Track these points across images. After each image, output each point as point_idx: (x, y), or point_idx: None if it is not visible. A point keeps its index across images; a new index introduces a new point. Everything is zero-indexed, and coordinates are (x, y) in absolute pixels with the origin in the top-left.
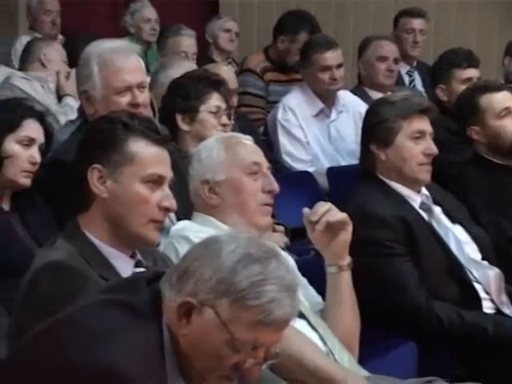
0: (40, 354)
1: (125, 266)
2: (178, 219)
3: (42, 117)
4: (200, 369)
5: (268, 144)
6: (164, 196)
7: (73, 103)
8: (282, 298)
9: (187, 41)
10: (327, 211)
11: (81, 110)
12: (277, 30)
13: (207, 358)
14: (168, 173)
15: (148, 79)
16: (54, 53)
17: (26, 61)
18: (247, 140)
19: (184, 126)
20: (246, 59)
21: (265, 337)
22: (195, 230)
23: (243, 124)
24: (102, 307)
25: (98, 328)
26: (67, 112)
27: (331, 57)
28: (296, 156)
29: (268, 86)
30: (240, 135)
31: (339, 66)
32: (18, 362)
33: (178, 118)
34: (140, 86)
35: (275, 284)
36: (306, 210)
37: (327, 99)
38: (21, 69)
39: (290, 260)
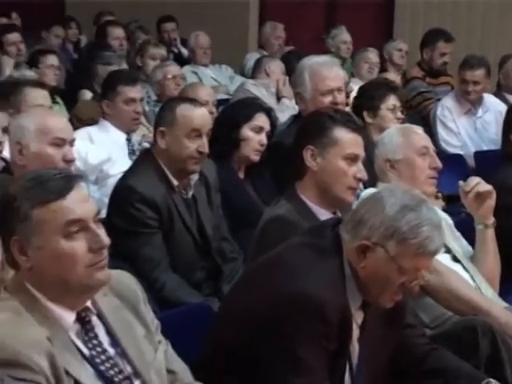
0: (258, 281)
1: None
2: (365, 187)
3: (269, 111)
4: (375, 291)
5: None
6: (358, 170)
7: (288, 103)
8: (434, 235)
9: (374, 56)
10: (477, 183)
11: None
12: (421, 45)
13: (381, 283)
14: (362, 152)
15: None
16: (276, 66)
17: (256, 71)
18: (418, 129)
19: (369, 120)
20: (408, 71)
21: (422, 264)
22: None
23: (414, 118)
24: (299, 248)
25: (295, 264)
26: (283, 109)
27: (471, 75)
28: (450, 142)
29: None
30: (413, 126)
31: (475, 82)
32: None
33: (365, 113)
34: (339, 90)
35: (428, 225)
36: (461, 183)
37: (474, 101)
38: (251, 77)
39: (448, 219)
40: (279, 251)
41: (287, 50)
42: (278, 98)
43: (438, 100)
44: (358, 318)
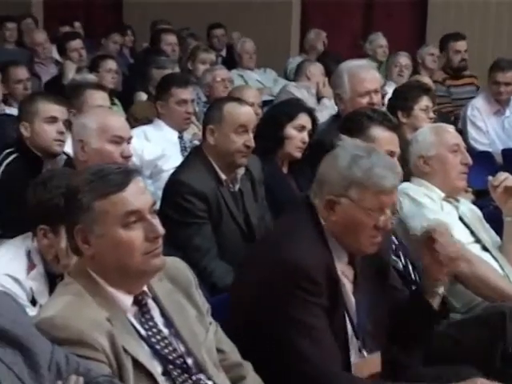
0: (254, 258)
1: None
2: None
3: (310, 111)
4: (353, 239)
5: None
6: None
7: (327, 103)
8: (386, 174)
9: (405, 60)
10: (506, 178)
11: None
12: (440, 51)
13: (355, 230)
14: (397, 149)
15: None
16: (316, 69)
17: (297, 75)
18: (450, 128)
19: (403, 119)
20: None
21: (384, 201)
22: (413, 189)
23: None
24: (281, 225)
25: (280, 238)
26: (322, 109)
27: (503, 76)
28: (479, 140)
29: (449, 89)
30: (445, 124)
31: (507, 84)
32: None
33: (399, 113)
34: (376, 91)
35: (379, 167)
36: (490, 178)
37: (503, 102)
38: (293, 80)
39: (477, 211)
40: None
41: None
42: (318, 99)
43: (462, 99)
44: (348, 273)
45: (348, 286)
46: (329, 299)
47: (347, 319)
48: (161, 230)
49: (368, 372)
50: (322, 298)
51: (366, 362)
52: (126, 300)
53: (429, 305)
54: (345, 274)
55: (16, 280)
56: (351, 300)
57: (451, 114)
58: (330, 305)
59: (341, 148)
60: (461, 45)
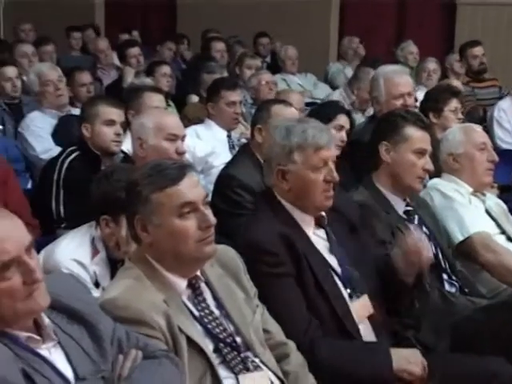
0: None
1: (399, 206)
2: (430, 178)
3: (349, 113)
4: (309, 199)
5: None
6: (426, 162)
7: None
8: (318, 133)
9: (433, 65)
10: None
11: None
12: (460, 56)
13: (309, 188)
14: (429, 147)
15: None
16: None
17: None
18: (478, 128)
19: (434, 120)
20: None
21: (324, 155)
22: (443, 184)
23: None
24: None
25: (244, 225)
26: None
27: None
28: (504, 140)
29: (474, 90)
30: (473, 124)
31: None
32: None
33: (430, 114)
34: (409, 94)
35: (310, 128)
36: None
37: None
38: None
39: (502, 204)
40: None
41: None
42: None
43: (486, 100)
44: (320, 233)
45: (323, 244)
46: (294, 264)
47: (335, 277)
48: (212, 219)
49: (365, 314)
50: (286, 266)
51: (356, 305)
52: (181, 283)
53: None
54: (317, 235)
55: (81, 264)
56: (332, 259)
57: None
58: (298, 269)
59: (274, 126)
60: (477, 50)
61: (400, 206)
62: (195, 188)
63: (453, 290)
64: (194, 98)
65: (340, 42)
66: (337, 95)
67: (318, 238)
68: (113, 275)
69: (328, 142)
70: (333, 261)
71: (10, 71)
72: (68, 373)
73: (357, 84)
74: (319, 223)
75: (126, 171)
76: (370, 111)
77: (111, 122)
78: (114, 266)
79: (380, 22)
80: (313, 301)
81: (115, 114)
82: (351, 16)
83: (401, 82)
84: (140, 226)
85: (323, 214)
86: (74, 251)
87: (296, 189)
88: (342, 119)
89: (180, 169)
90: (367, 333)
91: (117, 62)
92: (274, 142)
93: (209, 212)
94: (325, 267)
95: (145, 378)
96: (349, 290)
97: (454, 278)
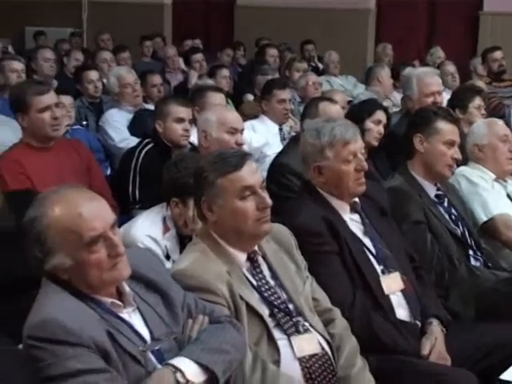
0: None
1: (431, 191)
2: (457, 166)
3: (386, 109)
4: (344, 188)
5: None
6: (455, 152)
7: (395, 101)
8: (345, 129)
9: (452, 68)
10: None
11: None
12: (482, 60)
13: (342, 179)
14: (457, 139)
15: None
16: (384, 74)
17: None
18: (500, 122)
19: (460, 116)
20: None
21: (353, 148)
22: (469, 172)
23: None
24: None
25: (290, 212)
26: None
27: None
28: None
29: (495, 88)
30: (496, 119)
31: None
32: None
33: (457, 111)
34: (438, 93)
35: (337, 126)
36: None
37: None
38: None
39: None
40: None
41: None
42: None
43: (506, 98)
44: (355, 218)
45: (358, 227)
46: (337, 243)
47: (370, 255)
48: (269, 201)
49: (396, 288)
50: (329, 245)
51: (388, 279)
52: (241, 257)
53: None
54: (353, 219)
55: (154, 240)
56: (365, 238)
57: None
58: (338, 248)
59: (306, 129)
60: (497, 54)
61: (431, 191)
62: (254, 174)
63: (478, 264)
64: (249, 97)
65: (375, 48)
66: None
67: (354, 222)
68: (181, 250)
69: (354, 136)
70: (367, 241)
71: (93, 75)
72: (145, 334)
73: None
74: (354, 208)
75: (192, 159)
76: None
77: (180, 120)
78: (183, 241)
79: (412, 30)
80: (350, 276)
81: (184, 112)
82: (386, 25)
83: (431, 82)
84: (206, 207)
85: (357, 200)
86: (147, 229)
87: (331, 181)
88: (380, 114)
89: (241, 157)
90: (399, 304)
91: (183, 66)
92: (307, 142)
93: (265, 195)
94: (360, 247)
95: (211, 339)
96: (381, 267)
97: (478, 253)
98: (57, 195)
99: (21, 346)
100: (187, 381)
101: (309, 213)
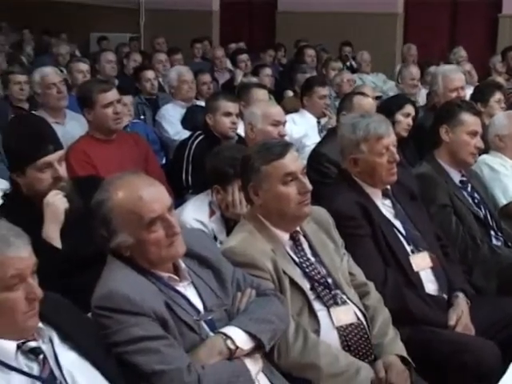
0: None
1: (456, 177)
2: (479, 154)
3: (414, 103)
4: (378, 176)
5: None
6: (478, 141)
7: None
8: (378, 125)
9: (469, 66)
10: None
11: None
12: (502, 58)
13: (376, 169)
14: (480, 129)
15: None
16: (414, 72)
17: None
18: None
19: (481, 109)
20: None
21: (386, 143)
22: (490, 160)
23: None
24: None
25: (328, 197)
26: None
27: None
28: None
29: None
30: None
31: None
32: None
33: (479, 104)
34: (462, 88)
35: (372, 122)
36: None
37: None
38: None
39: None
40: None
41: None
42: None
43: None
44: (386, 203)
45: (389, 211)
46: (369, 226)
47: (400, 236)
48: (309, 186)
49: (425, 266)
50: (363, 228)
51: (417, 257)
52: (285, 236)
53: None
54: (385, 204)
55: (202, 223)
56: (396, 220)
57: None
58: (372, 230)
59: (343, 124)
60: None
61: (456, 177)
62: (295, 161)
63: (499, 243)
64: (289, 93)
65: (402, 49)
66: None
67: (385, 207)
68: (227, 231)
69: (387, 131)
70: (397, 224)
71: (149, 74)
72: (199, 305)
73: None
74: (385, 194)
75: (231, 150)
76: None
77: (229, 114)
78: (227, 223)
79: (436, 31)
80: (383, 256)
81: (232, 107)
82: (413, 27)
83: (456, 78)
84: (252, 191)
85: (388, 187)
86: (195, 212)
87: (366, 171)
88: (409, 108)
89: (284, 146)
90: (428, 279)
91: (229, 65)
92: (344, 136)
93: (306, 180)
94: (391, 229)
95: (258, 310)
96: (411, 247)
97: (499, 234)
98: (120, 181)
99: (89, 315)
100: (236, 347)
101: (344, 198)
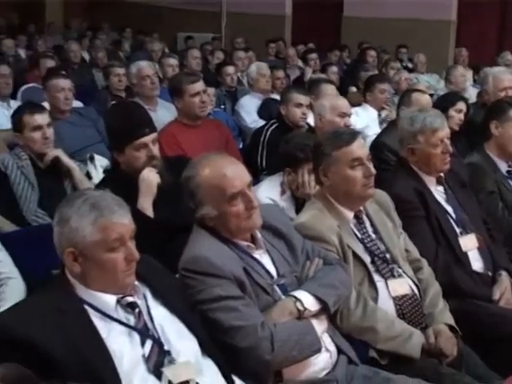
0: None
1: (503, 167)
2: None
3: (466, 100)
4: (432, 165)
5: None
6: None
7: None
8: (433, 118)
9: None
10: None
11: None
12: None
13: (431, 159)
14: None
15: None
16: (461, 72)
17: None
18: None
19: None
20: None
21: (441, 135)
22: None
23: None
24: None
25: (387, 182)
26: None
27: None
28: None
29: None
30: None
31: None
32: None
33: None
34: (510, 88)
35: (428, 116)
36: None
37: None
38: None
39: None
40: None
41: None
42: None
43: None
44: (439, 189)
45: (442, 197)
46: (425, 210)
47: (451, 220)
48: (373, 170)
49: (472, 246)
50: (419, 211)
51: (465, 239)
52: (349, 214)
53: None
54: (438, 190)
55: (274, 201)
56: (447, 205)
57: None
58: (426, 213)
59: (402, 117)
60: None
61: (503, 167)
62: (362, 148)
63: None
64: (353, 89)
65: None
66: None
67: (438, 192)
68: (297, 209)
69: (442, 125)
70: (449, 208)
71: (230, 70)
72: (272, 271)
73: None
74: (439, 181)
75: (300, 137)
76: None
77: (299, 105)
78: (297, 202)
79: (485, 37)
80: (435, 236)
81: (303, 99)
82: (465, 33)
83: (505, 79)
84: (322, 174)
85: (442, 174)
86: (269, 192)
87: (422, 160)
88: (461, 105)
89: (352, 134)
90: (475, 258)
91: (299, 63)
92: (403, 128)
93: (371, 165)
94: (443, 213)
95: (324, 277)
96: (460, 229)
97: None
98: (206, 160)
99: (177, 276)
100: (305, 309)
101: (403, 184)
